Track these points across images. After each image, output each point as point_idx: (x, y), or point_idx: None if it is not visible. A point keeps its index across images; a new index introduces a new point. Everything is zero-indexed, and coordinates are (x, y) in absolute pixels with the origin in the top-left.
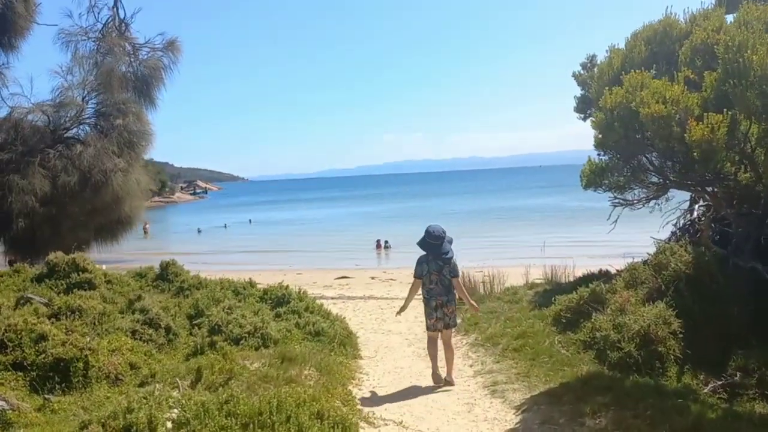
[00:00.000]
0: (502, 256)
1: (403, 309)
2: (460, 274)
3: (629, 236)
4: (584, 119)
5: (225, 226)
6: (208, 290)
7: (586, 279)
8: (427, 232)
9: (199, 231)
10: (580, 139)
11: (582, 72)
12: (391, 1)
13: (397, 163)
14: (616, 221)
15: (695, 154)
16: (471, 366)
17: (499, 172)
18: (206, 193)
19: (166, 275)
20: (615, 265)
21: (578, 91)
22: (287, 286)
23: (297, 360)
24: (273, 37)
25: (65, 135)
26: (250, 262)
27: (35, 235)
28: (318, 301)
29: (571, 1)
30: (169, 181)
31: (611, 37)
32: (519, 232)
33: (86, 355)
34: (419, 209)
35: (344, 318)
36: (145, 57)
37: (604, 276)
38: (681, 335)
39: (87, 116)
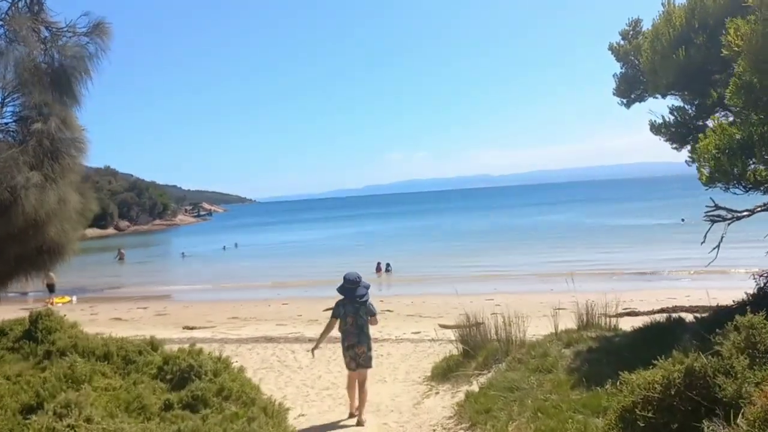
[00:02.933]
0: (517, 283)
1: (315, 347)
2: (377, 311)
3: (662, 257)
4: (627, 105)
5: (224, 248)
6: (69, 360)
7: (652, 332)
8: (344, 278)
9: (183, 255)
10: (583, 156)
11: (622, 43)
12: (394, 23)
13: (404, 182)
14: (718, 246)
15: None
16: None
17: (507, 190)
18: (210, 215)
19: (34, 332)
20: (674, 298)
21: (618, 69)
22: (200, 350)
23: None
24: (275, 56)
25: None
26: (233, 288)
27: None
28: (290, 347)
29: (580, 21)
30: (172, 204)
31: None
32: (533, 255)
33: None
34: (426, 229)
35: (283, 404)
36: (66, 43)
37: (676, 325)
38: None
39: (4, 122)
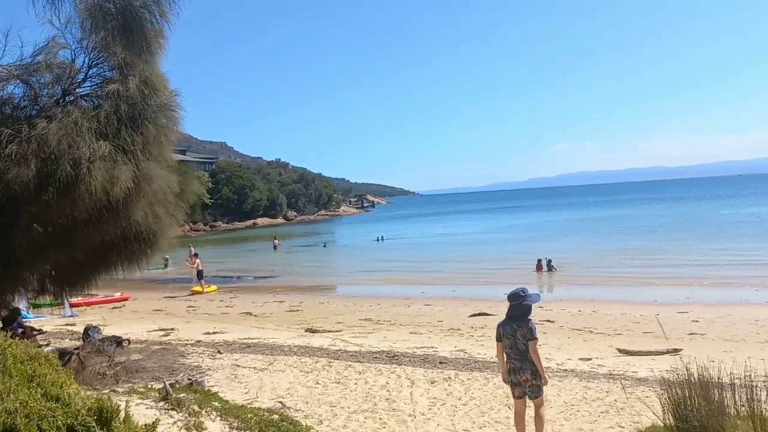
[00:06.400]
0: (717, 290)
1: (503, 377)
2: (537, 336)
3: None
4: None
5: (377, 240)
6: None
7: None
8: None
9: (325, 245)
10: None
11: None
12: (558, 10)
13: (569, 174)
14: None
15: None
16: None
17: (688, 182)
18: (373, 206)
19: None
20: None
21: None
22: None
23: None
24: (437, 51)
25: (51, 111)
26: (376, 283)
27: None
28: (411, 373)
29: None
30: (336, 195)
31: None
32: (731, 254)
33: None
34: (596, 222)
35: None
36: None
37: None
38: None
39: (89, 85)
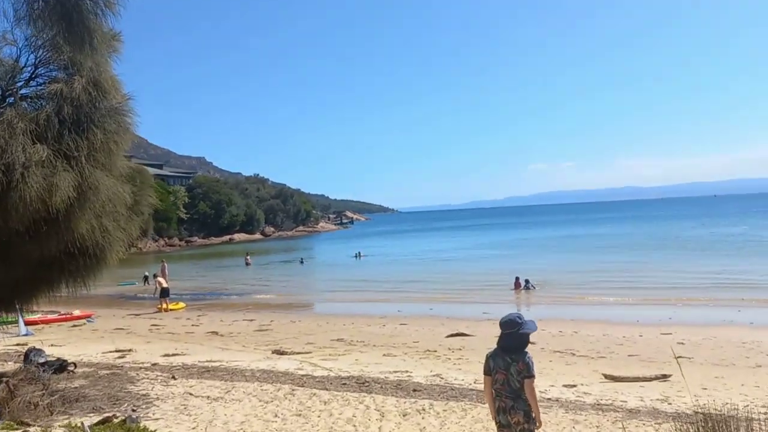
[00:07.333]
0: (700, 310)
1: (492, 414)
2: (535, 374)
3: None
4: None
5: (355, 256)
6: None
7: None
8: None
9: (302, 262)
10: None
11: None
12: (535, 27)
13: (546, 193)
14: None
15: None
16: None
17: (664, 202)
18: (352, 223)
19: None
20: None
21: None
22: None
23: None
24: (416, 70)
25: None
26: (352, 301)
27: None
28: (381, 404)
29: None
30: (314, 211)
31: None
32: (709, 274)
33: None
34: (573, 239)
35: None
36: None
37: None
38: None
39: (35, 86)
